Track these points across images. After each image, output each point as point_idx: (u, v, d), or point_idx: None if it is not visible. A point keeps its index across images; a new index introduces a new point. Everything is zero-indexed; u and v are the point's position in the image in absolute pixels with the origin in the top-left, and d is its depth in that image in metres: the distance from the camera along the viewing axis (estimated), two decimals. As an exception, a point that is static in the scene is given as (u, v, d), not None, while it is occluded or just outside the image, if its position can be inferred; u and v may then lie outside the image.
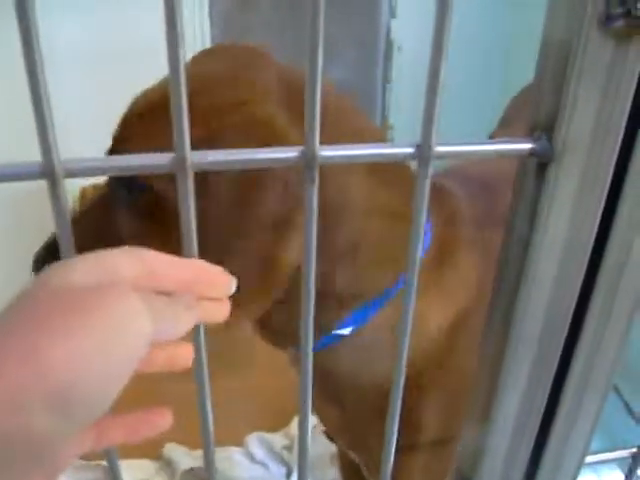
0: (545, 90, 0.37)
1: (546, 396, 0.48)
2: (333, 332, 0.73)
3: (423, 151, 0.34)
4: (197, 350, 0.39)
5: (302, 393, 0.42)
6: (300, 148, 0.33)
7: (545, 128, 0.37)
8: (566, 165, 0.37)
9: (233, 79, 0.68)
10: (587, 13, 0.33)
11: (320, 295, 0.66)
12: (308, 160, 0.33)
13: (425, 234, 0.74)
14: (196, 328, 0.40)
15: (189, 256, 0.35)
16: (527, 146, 0.37)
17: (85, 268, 0.34)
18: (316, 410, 0.91)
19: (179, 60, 0.30)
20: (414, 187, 0.72)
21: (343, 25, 2.63)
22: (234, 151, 0.33)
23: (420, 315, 0.73)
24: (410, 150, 0.35)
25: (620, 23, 0.32)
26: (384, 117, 2.60)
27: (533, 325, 0.43)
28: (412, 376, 0.75)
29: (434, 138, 0.34)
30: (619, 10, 0.32)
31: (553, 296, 0.42)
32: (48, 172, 0.32)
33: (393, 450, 0.47)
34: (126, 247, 0.36)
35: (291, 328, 0.75)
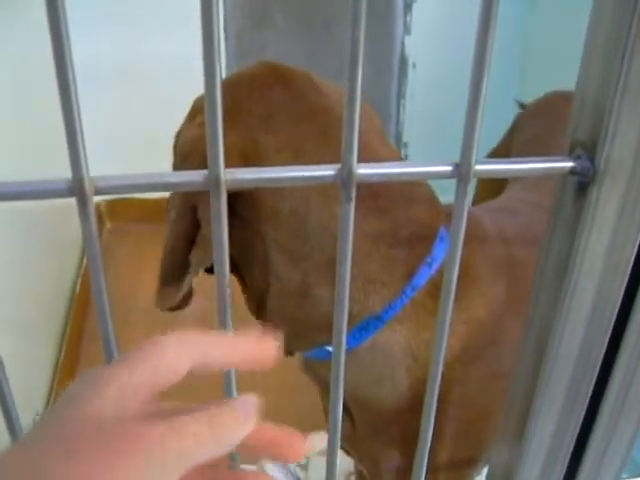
0: (586, 106, 0.36)
1: (581, 420, 0.46)
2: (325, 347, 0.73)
3: (462, 170, 0.33)
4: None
5: (333, 401, 0.41)
6: (337, 166, 0.32)
7: (585, 146, 0.36)
8: (608, 185, 0.36)
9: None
10: (632, 26, 0.32)
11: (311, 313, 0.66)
12: (345, 179, 0.32)
13: (434, 261, 0.71)
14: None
15: (221, 272, 0.34)
16: (567, 165, 0.36)
17: (121, 386, 0.32)
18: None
19: (215, 80, 0.29)
20: (417, 208, 0.71)
21: (358, 41, 2.62)
22: (268, 169, 0.32)
23: (420, 342, 0.71)
24: (448, 168, 0.34)
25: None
26: (398, 132, 2.60)
27: (570, 348, 0.42)
28: (411, 402, 0.74)
29: (474, 156, 0.33)
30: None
31: (591, 317, 0.41)
32: (77, 190, 0.31)
33: (424, 469, 0.46)
34: (173, 339, 0.34)
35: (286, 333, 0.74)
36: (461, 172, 0.33)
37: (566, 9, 1.99)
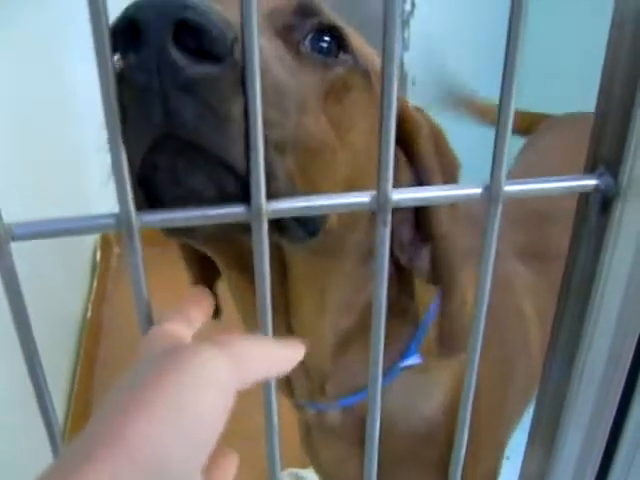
0: (609, 123, 0.37)
1: (607, 432, 0.47)
2: (401, 364, 0.67)
3: (492, 191, 0.34)
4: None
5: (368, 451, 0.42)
6: (372, 193, 0.33)
7: (608, 163, 0.37)
8: (631, 201, 0.37)
9: None
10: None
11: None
12: (381, 204, 0.33)
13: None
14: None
15: (263, 302, 0.35)
16: (591, 182, 0.37)
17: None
18: (330, 466, 0.83)
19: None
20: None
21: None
22: (303, 198, 0.33)
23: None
24: (479, 190, 0.35)
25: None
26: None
27: (597, 361, 0.43)
28: (451, 415, 0.72)
29: (504, 179, 0.34)
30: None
31: (617, 331, 0.42)
32: (124, 224, 0.32)
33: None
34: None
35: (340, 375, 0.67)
36: (492, 194, 0.34)
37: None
